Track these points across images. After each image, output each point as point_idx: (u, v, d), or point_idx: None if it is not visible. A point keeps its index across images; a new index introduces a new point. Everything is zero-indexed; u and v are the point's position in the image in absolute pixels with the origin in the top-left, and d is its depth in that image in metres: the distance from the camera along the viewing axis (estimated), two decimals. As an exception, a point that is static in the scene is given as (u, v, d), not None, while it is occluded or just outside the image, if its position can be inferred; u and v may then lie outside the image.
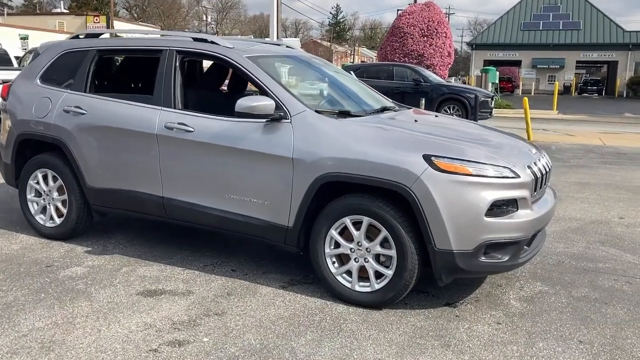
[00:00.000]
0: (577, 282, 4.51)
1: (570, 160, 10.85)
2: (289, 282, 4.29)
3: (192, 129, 4.32)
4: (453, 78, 41.72)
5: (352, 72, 17.59)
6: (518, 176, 3.72)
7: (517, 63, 54.61)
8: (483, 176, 3.62)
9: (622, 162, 10.88)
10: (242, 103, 3.95)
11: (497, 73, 26.68)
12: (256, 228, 4.19)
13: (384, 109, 4.76)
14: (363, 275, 3.91)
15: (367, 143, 3.83)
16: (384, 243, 3.79)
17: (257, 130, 4.11)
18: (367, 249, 3.84)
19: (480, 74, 26.81)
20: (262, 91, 4.21)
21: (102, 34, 5.26)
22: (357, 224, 3.86)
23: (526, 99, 14.20)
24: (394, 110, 4.85)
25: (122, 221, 5.71)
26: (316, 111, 4.08)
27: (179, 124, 4.37)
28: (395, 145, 3.78)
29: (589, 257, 5.12)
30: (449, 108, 16.39)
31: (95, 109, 4.75)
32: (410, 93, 16.70)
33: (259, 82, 4.22)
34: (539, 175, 3.94)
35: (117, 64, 5.95)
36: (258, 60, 4.38)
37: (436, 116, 4.94)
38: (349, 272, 3.95)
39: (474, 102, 14.28)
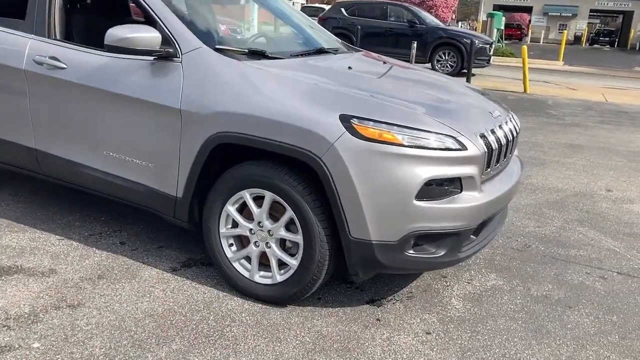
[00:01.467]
0: (541, 275, 3.69)
1: (565, 118, 9.89)
2: (184, 262, 3.48)
3: (64, 66, 3.40)
4: (460, 23, 39.90)
5: (343, 9, 16.46)
6: (464, 148, 2.84)
7: (528, 9, 52.40)
8: (417, 147, 2.74)
9: (622, 121, 9.92)
10: (114, 33, 3.01)
11: (504, 19, 25.14)
12: (140, 195, 3.34)
13: (320, 51, 3.81)
14: (266, 262, 3.09)
15: (272, 94, 2.92)
16: (290, 226, 2.96)
17: (140, 70, 3.19)
18: (269, 231, 3.00)
19: (486, 19, 25.30)
20: (148, 18, 3.27)
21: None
22: (259, 200, 3.01)
23: (525, 47, 13.08)
24: (333, 53, 3.91)
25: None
26: (216, 49, 3.15)
27: (50, 58, 3.44)
28: (308, 99, 2.88)
29: (562, 240, 4.29)
30: (444, 54, 15.23)
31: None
32: (404, 35, 15.53)
33: (143, 4, 3.26)
34: (497, 145, 3.05)
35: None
36: None
37: (384, 63, 3.99)
38: (248, 258, 3.13)
39: (470, 49, 13.14)
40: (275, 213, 2.99)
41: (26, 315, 2.82)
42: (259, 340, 2.77)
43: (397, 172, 2.71)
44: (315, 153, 2.75)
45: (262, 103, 2.90)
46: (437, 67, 15.07)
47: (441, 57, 15.23)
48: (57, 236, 3.71)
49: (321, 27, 4.48)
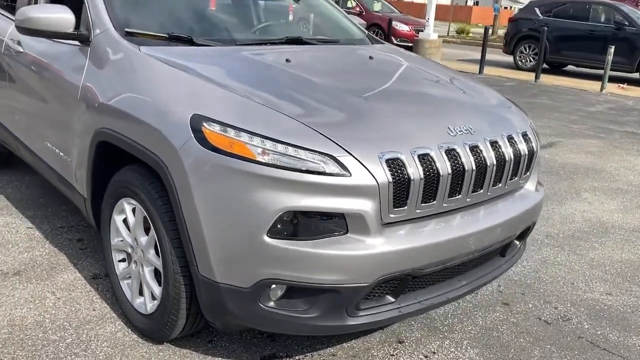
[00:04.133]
0: (547, 366, 2.57)
1: None
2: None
3: (21, 50, 3.29)
4: None
5: (537, 9, 14.67)
6: (346, 173, 2.00)
7: None
8: (275, 165, 2.00)
9: None
10: (24, 12, 2.76)
11: None
12: (66, 188, 3.09)
13: (294, 41, 3.14)
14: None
15: (148, 89, 2.41)
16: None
17: (65, 55, 2.92)
18: (142, 249, 2.50)
19: None
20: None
21: None
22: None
23: None
24: (312, 44, 3.20)
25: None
26: (126, 32, 2.72)
27: (16, 42, 3.36)
28: (176, 96, 2.30)
29: (636, 323, 3.00)
30: (656, 63, 12.66)
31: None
32: (608, 39, 13.24)
33: None
34: (431, 172, 2.14)
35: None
36: None
37: (371, 58, 3.14)
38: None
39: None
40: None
41: None
42: (82, 380, 2.29)
43: (246, 196, 2.01)
44: (163, 160, 2.18)
45: (135, 98, 2.41)
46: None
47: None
48: (28, 224, 3.64)
49: (345, 17, 3.75)
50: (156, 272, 2.46)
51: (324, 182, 1.99)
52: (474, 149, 2.30)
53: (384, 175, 2.04)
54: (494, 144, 2.39)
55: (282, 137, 2.03)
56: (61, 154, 2.99)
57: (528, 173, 2.66)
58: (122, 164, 2.56)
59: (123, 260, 2.70)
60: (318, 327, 2.15)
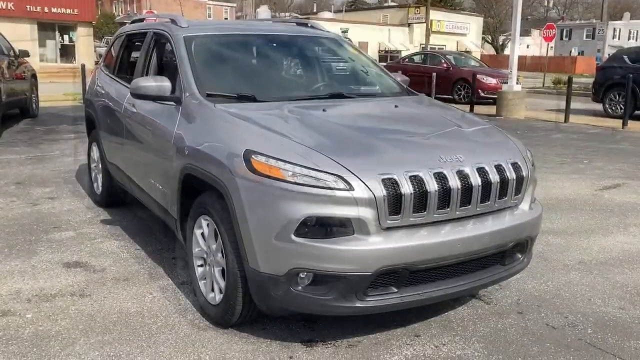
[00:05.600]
0: None
1: None
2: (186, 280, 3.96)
3: (134, 110, 4.34)
4: None
5: (625, 57, 14.62)
6: (350, 188, 2.71)
7: None
8: (298, 183, 2.75)
9: None
10: (135, 82, 3.77)
11: None
12: (163, 213, 4.01)
13: (333, 96, 3.94)
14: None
15: (217, 133, 3.28)
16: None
17: (163, 112, 3.90)
18: (213, 254, 3.31)
19: None
20: (174, 72, 3.95)
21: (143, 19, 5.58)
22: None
23: None
24: (351, 98, 3.99)
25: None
26: (207, 94, 3.64)
27: (131, 104, 4.42)
28: (236, 138, 3.14)
29: None
30: None
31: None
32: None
33: (176, 61, 3.96)
34: (420, 189, 2.80)
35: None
36: (192, 39, 4.09)
37: (396, 106, 3.85)
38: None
39: None
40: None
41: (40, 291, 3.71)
42: (168, 346, 3.08)
43: (279, 206, 2.77)
44: (225, 183, 3.01)
45: (208, 140, 3.28)
46: None
47: None
48: (136, 246, 4.61)
49: (382, 70, 4.55)
50: (223, 272, 3.24)
51: (334, 195, 2.71)
52: (460, 173, 2.92)
53: (380, 190, 2.73)
54: (481, 170, 3.00)
55: (305, 163, 2.79)
56: (160, 186, 3.92)
57: (520, 194, 3.21)
58: (201, 191, 3.43)
59: (201, 265, 3.52)
60: (334, 307, 2.82)
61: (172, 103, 3.79)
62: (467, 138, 3.36)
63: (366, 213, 2.72)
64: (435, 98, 17.37)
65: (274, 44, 4.52)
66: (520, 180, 3.18)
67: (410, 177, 2.80)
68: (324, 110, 3.53)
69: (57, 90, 17.47)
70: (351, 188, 2.72)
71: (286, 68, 4.48)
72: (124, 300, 3.65)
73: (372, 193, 2.72)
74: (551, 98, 21.66)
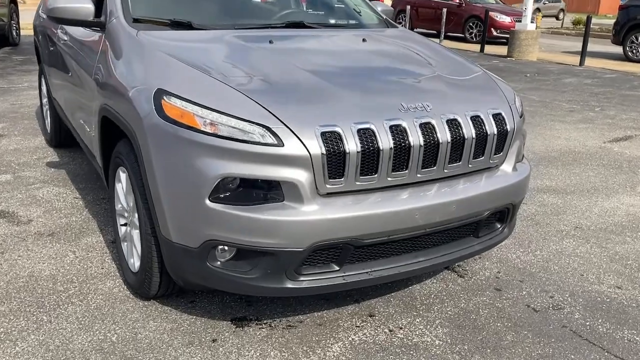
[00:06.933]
0: (522, 355, 2.53)
1: None
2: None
3: (66, 38, 3.73)
4: None
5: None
6: (279, 144, 2.13)
7: None
8: (215, 135, 2.17)
9: None
10: (51, 3, 3.12)
11: None
12: (92, 159, 3.47)
13: (292, 25, 3.28)
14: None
15: (134, 67, 2.68)
16: (142, 208, 2.68)
17: (89, 40, 3.29)
18: (131, 212, 2.77)
19: None
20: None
21: None
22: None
23: None
24: (312, 28, 3.33)
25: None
26: (134, 19, 3.01)
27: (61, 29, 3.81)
28: (151, 73, 2.55)
29: None
30: None
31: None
32: None
33: None
34: (371, 147, 2.23)
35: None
36: None
37: (364, 41, 3.19)
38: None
39: None
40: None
41: (-48, 252, 3.22)
42: (72, 322, 2.60)
43: (191, 163, 2.21)
44: (133, 128, 2.44)
45: (122, 75, 2.69)
46: None
47: None
48: (76, 194, 4.09)
49: (366, 3, 3.83)
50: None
51: (259, 152, 2.13)
52: (425, 126, 2.33)
53: (317, 146, 2.14)
54: (452, 122, 2.40)
55: (226, 109, 2.20)
56: (87, 129, 3.36)
57: (501, 153, 2.62)
58: (121, 137, 2.86)
59: (124, 224, 2.98)
60: (258, 288, 2.30)
61: (96, 29, 3.18)
62: (442, 82, 2.73)
63: (299, 175, 2.15)
64: (445, 37, 16.49)
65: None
66: (503, 135, 2.58)
67: (359, 130, 2.21)
68: (270, 42, 2.89)
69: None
70: (280, 143, 2.14)
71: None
72: (40, 260, 3.16)
73: (307, 150, 2.14)
74: (569, 40, 20.54)
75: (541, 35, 15.53)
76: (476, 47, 15.28)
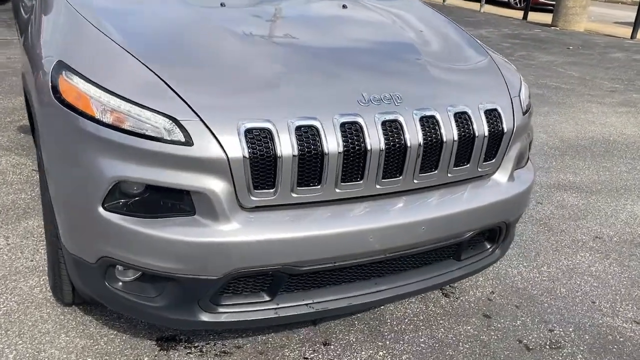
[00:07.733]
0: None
1: None
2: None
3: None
4: None
5: None
6: (188, 141, 1.64)
7: None
8: (108, 125, 1.69)
9: None
10: None
11: None
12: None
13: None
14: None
15: (45, 32, 2.24)
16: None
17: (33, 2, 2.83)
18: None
19: None
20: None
21: None
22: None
23: None
24: None
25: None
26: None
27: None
28: (58, 40, 2.10)
29: (642, 361, 2.31)
30: None
31: None
32: None
33: None
34: (321, 147, 1.71)
35: None
36: None
37: (344, 7, 2.62)
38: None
39: None
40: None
41: None
42: (-35, 333, 2.22)
43: (82, 160, 1.74)
44: (34, 108, 1.99)
45: (35, 44, 2.23)
46: None
47: None
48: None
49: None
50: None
51: (161, 151, 1.66)
52: (390, 124, 1.80)
53: (239, 147, 1.65)
54: (427, 119, 1.86)
55: (126, 93, 1.71)
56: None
57: (494, 159, 2.08)
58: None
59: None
60: (166, 319, 1.86)
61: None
62: (427, 65, 2.17)
63: (213, 184, 1.66)
64: (488, 1, 15.45)
65: None
66: (497, 137, 2.03)
67: (298, 127, 1.70)
68: (222, 4, 2.36)
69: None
70: (189, 141, 1.65)
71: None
72: (-36, 246, 2.79)
73: (225, 151, 1.64)
74: (624, 9, 19.17)
75: (592, 3, 14.40)
76: (519, 14, 14.28)
